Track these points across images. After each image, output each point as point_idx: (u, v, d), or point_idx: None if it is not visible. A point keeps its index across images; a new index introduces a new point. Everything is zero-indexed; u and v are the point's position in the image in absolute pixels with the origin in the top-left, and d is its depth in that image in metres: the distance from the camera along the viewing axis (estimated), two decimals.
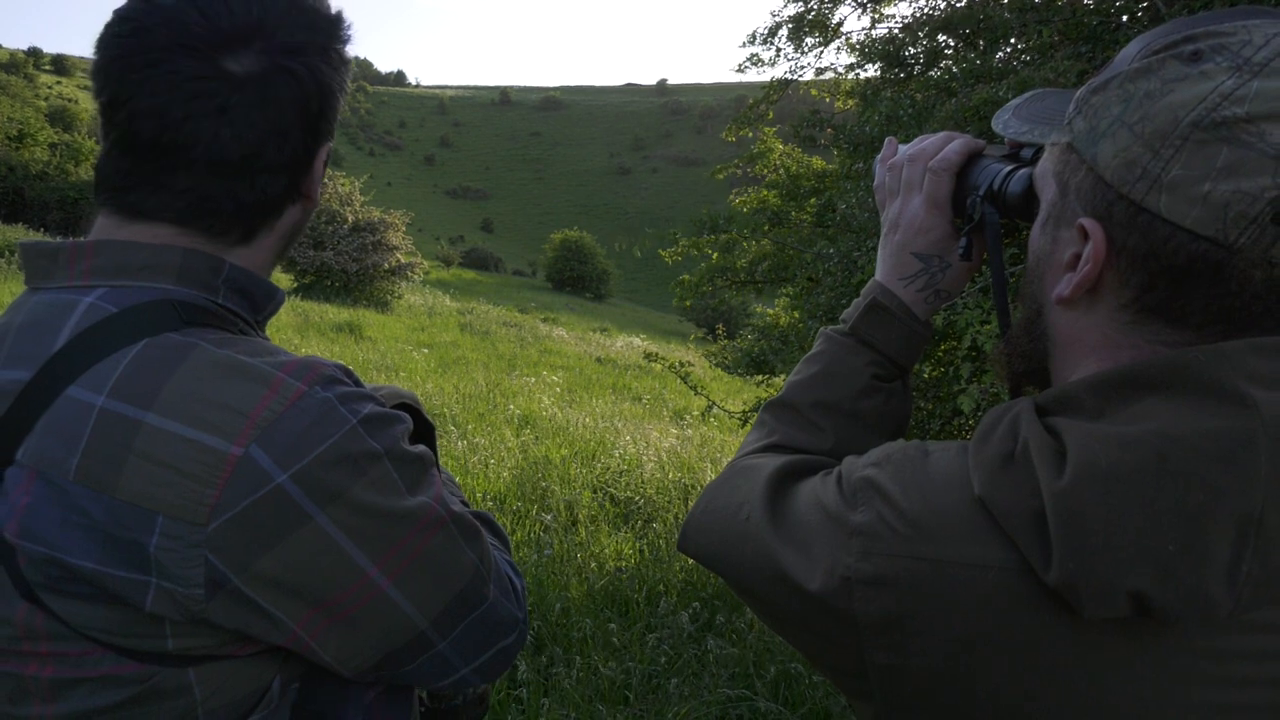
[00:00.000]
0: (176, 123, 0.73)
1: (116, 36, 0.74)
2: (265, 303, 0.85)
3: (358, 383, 0.78)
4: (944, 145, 0.87)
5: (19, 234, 16.41)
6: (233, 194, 0.77)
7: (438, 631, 0.79)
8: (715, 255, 5.43)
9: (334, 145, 0.87)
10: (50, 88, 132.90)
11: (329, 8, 0.83)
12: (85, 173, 23.20)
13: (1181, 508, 0.52)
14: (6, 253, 13.95)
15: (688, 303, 5.84)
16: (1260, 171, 0.53)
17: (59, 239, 0.79)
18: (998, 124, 0.77)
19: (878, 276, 0.91)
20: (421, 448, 0.79)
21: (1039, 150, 0.75)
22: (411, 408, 1.12)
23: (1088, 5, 3.38)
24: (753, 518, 0.73)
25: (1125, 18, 3.43)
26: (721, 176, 5.93)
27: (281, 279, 18.32)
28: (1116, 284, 0.62)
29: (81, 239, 0.77)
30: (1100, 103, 0.62)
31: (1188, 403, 0.56)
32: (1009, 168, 0.79)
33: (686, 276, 5.62)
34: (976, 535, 0.58)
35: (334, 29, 0.82)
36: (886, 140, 0.95)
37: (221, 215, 0.78)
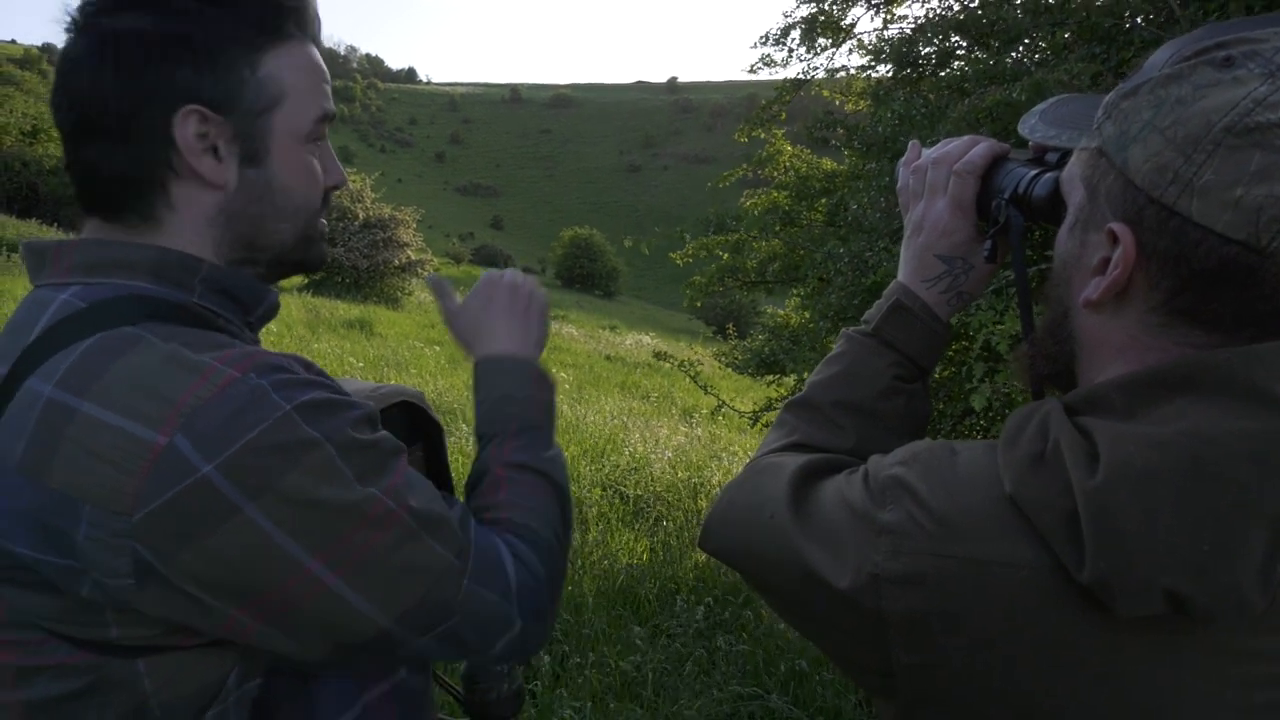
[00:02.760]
0: (52, 105, 0.78)
1: None
2: (254, 305, 0.84)
3: (319, 373, 0.76)
4: (969, 148, 0.87)
5: (32, 229, 16.51)
6: (92, 168, 0.77)
7: (407, 629, 0.74)
8: (725, 255, 5.43)
9: (210, 116, 0.77)
10: None
11: None
12: None
13: (1216, 507, 0.53)
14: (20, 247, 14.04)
15: (699, 304, 5.84)
16: None
17: (61, 236, 0.82)
18: (1024, 128, 0.77)
19: (900, 278, 0.91)
20: (382, 434, 0.75)
21: (1064, 155, 0.76)
22: (415, 406, 1.12)
23: (1101, 6, 3.38)
24: (777, 515, 0.74)
25: (1140, 19, 3.43)
26: (725, 185, 5.92)
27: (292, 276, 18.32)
28: (1146, 287, 0.62)
29: (71, 237, 0.79)
30: (1131, 108, 0.62)
31: (1220, 404, 0.56)
32: (1034, 171, 0.79)
33: (697, 277, 5.62)
34: (1006, 534, 0.59)
35: None
36: (910, 144, 0.96)
37: (97, 194, 0.78)
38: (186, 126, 0.76)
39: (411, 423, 1.11)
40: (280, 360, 0.72)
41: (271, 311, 0.87)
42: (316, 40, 0.85)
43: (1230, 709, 0.56)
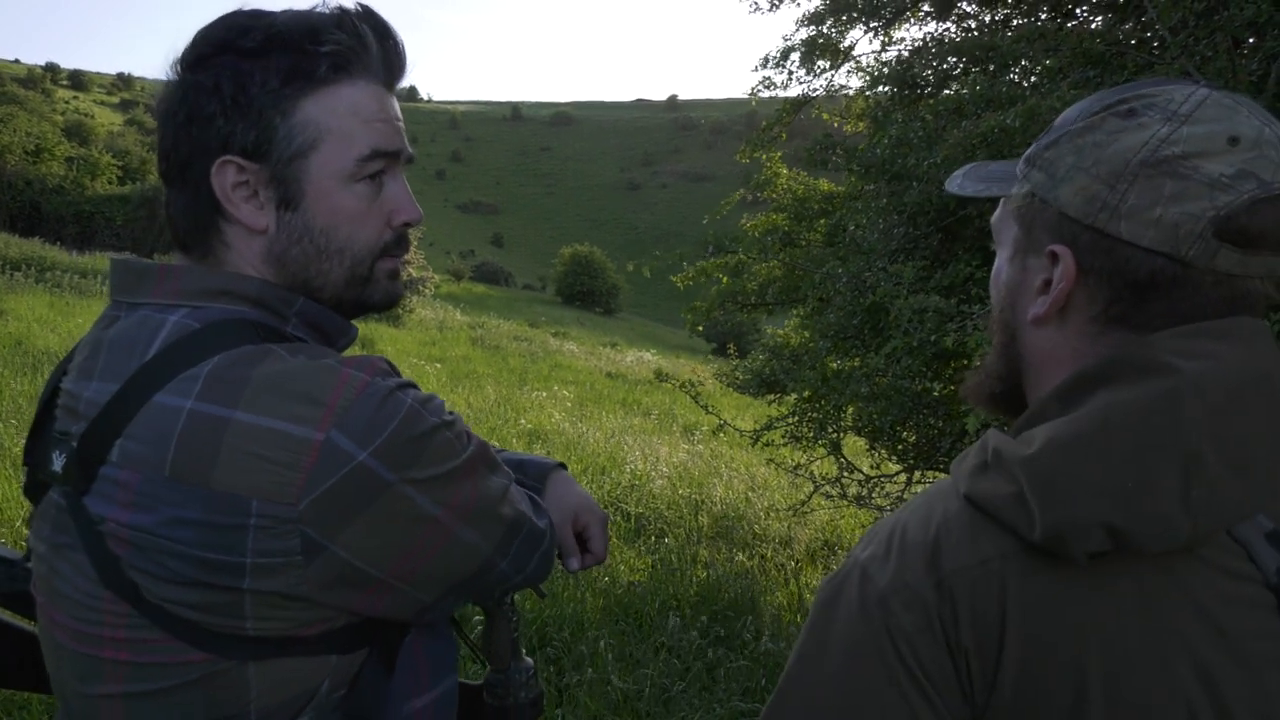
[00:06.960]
0: None
1: None
2: (338, 337, 0.92)
3: (398, 373, 0.85)
4: None
5: (35, 248, 16.61)
6: (168, 207, 0.87)
7: (499, 554, 0.89)
8: (725, 279, 5.47)
9: (250, 166, 0.82)
10: (67, 103, 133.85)
11: (246, 18, 0.82)
12: (101, 187, 23.41)
13: (1133, 452, 0.62)
14: (24, 265, 14.11)
15: (700, 327, 5.88)
16: (1199, 197, 0.65)
17: (149, 260, 0.88)
18: (952, 186, 0.87)
19: None
20: (454, 412, 0.87)
21: None
22: None
23: (1094, 32, 3.43)
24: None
25: (1134, 42, 3.49)
26: (724, 213, 5.98)
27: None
28: (1085, 301, 0.72)
29: (171, 263, 0.86)
30: (1054, 155, 0.73)
31: (1128, 382, 0.66)
32: None
33: (698, 303, 5.66)
34: (973, 537, 0.67)
35: (227, 37, 0.81)
36: None
37: (172, 231, 0.87)
38: (224, 176, 0.82)
39: None
40: (384, 365, 0.83)
41: (351, 343, 0.94)
42: (384, 78, 0.88)
43: (1202, 627, 0.63)
